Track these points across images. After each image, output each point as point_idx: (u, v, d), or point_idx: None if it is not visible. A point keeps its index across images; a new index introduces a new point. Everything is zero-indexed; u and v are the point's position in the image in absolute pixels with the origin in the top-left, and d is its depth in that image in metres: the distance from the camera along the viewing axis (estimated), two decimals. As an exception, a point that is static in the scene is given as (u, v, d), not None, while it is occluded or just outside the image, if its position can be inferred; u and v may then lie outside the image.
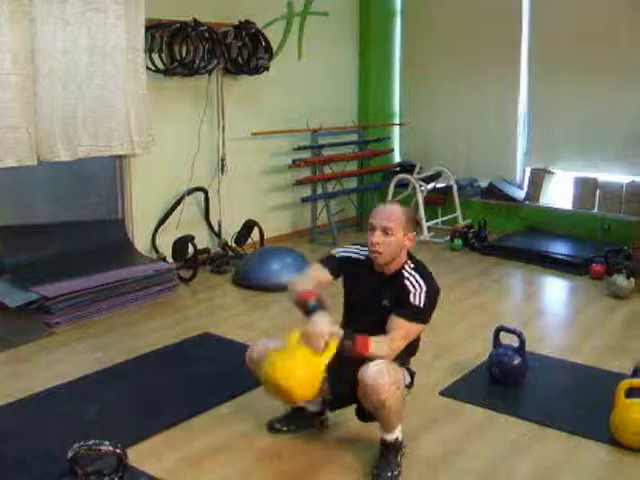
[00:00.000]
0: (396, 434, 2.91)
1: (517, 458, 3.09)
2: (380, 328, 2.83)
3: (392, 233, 2.85)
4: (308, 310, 2.80)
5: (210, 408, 3.48)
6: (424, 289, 2.86)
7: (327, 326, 2.73)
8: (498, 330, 3.84)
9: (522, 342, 3.74)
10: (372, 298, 2.94)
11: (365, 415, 2.95)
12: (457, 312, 4.94)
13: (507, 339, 3.85)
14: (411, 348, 2.99)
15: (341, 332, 2.76)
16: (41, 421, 3.34)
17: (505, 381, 3.74)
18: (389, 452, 2.90)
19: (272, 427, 3.28)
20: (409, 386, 3.02)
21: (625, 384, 3.18)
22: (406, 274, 2.91)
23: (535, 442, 3.21)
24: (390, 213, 2.90)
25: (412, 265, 2.95)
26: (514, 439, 3.24)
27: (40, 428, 3.27)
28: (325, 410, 3.27)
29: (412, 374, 3.07)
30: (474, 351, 4.16)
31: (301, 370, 2.69)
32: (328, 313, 2.80)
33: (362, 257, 3.03)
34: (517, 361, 3.73)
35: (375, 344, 2.76)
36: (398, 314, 2.83)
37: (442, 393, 3.66)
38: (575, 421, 3.36)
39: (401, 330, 2.82)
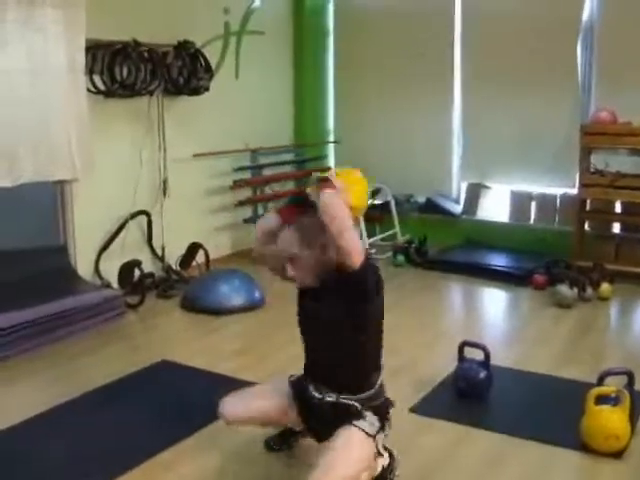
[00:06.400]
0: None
1: (498, 471, 3.12)
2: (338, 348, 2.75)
3: (297, 257, 2.69)
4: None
5: (180, 440, 3.36)
6: None
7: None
8: (462, 345, 3.90)
9: (487, 355, 3.80)
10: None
11: None
12: (408, 329, 4.95)
13: (468, 352, 3.89)
14: (369, 357, 2.82)
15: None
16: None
17: (472, 395, 3.78)
18: None
19: (269, 446, 3.23)
20: (382, 428, 2.78)
21: (594, 392, 3.26)
22: None
23: (511, 454, 3.25)
24: (286, 240, 2.73)
25: None
26: (490, 452, 3.27)
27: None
28: None
29: (385, 411, 2.83)
30: (433, 367, 4.19)
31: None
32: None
33: None
34: (483, 374, 3.79)
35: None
36: None
37: (412, 410, 3.67)
38: (544, 430, 3.43)
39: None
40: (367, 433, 2.66)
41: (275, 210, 2.91)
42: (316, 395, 2.80)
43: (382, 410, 2.80)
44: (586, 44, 6.35)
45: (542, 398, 3.83)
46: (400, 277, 6.29)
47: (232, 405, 3.01)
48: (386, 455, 2.84)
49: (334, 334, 2.73)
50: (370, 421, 2.71)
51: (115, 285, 5.46)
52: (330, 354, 2.79)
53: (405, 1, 7.14)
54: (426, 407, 3.70)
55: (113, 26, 5.33)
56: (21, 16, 4.60)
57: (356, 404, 2.73)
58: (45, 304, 4.66)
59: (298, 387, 2.93)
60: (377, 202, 7.17)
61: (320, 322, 2.79)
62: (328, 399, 2.77)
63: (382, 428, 2.75)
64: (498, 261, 6.36)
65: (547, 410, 3.67)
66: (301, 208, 2.80)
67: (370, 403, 2.75)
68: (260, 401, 3.02)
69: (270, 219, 2.87)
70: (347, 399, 2.74)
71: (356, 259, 2.54)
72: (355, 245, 2.56)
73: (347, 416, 2.70)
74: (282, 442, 3.24)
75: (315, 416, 2.85)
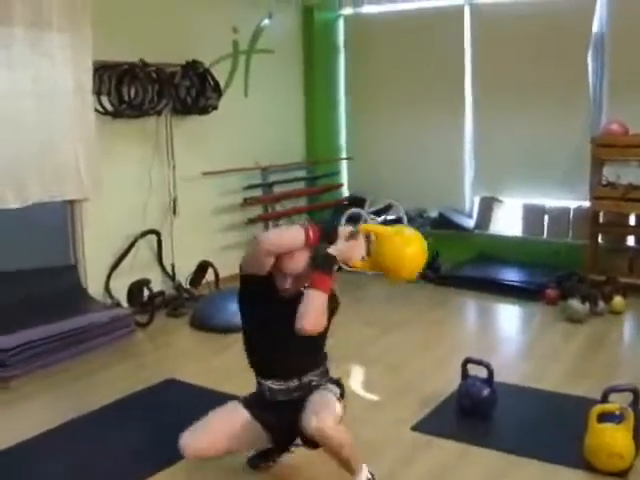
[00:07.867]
0: (364, 476, 2.90)
1: (497, 490, 3.09)
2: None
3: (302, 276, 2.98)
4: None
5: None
6: None
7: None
8: (465, 362, 3.86)
9: (490, 373, 3.76)
10: None
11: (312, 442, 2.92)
12: (418, 345, 4.95)
13: (474, 370, 3.86)
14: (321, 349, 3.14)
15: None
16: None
17: (475, 412, 3.74)
18: None
19: (253, 464, 3.27)
20: (342, 395, 3.06)
21: (597, 409, 3.22)
22: None
23: (512, 473, 3.22)
24: (300, 260, 2.98)
25: None
26: (491, 471, 3.24)
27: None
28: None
29: (338, 382, 3.13)
30: (440, 384, 4.15)
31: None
32: None
33: None
34: (486, 392, 3.75)
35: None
36: None
37: (414, 428, 3.64)
38: (547, 448, 3.39)
39: None
40: (334, 394, 2.98)
41: (303, 227, 2.91)
42: (275, 387, 3.04)
43: (334, 379, 3.13)
44: (596, 56, 6.30)
45: (547, 416, 3.78)
46: (412, 293, 6.23)
47: (193, 438, 2.96)
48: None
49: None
50: (331, 387, 3.04)
51: (125, 304, 5.49)
52: (294, 349, 2.95)
53: (416, 17, 7.14)
54: (428, 425, 3.67)
55: (120, 47, 5.38)
56: (28, 40, 4.69)
57: (315, 379, 3.05)
58: (55, 323, 4.70)
59: (254, 399, 3.11)
60: (389, 218, 7.15)
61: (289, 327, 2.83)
62: (291, 384, 3.03)
63: (342, 395, 3.04)
64: (511, 276, 6.30)
65: (551, 428, 3.61)
66: (326, 236, 2.94)
67: (325, 376, 3.11)
68: (222, 431, 3.00)
69: (298, 238, 2.89)
70: (307, 378, 3.04)
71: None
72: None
73: (311, 391, 2.99)
74: (266, 459, 3.27)
75: (282, 411, 2.98)
